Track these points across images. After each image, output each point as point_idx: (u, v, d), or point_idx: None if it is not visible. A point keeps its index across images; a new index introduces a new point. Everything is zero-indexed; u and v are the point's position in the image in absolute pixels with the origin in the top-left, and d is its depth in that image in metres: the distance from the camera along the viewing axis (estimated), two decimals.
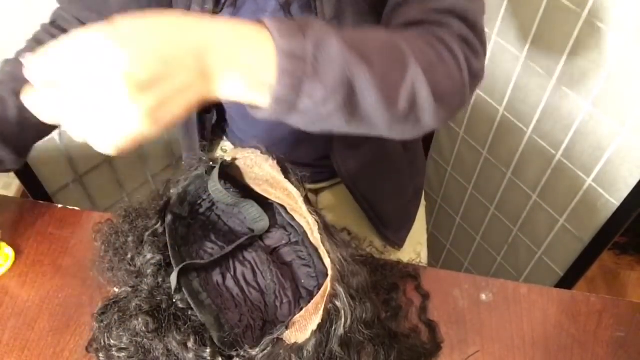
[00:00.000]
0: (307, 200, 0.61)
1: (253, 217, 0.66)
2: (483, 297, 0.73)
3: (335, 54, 0.44)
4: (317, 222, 0.57)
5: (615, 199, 0.98)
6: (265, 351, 0.51)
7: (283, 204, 0.67)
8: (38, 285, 0.72)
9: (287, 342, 0.51)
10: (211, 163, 0.64)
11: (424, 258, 1.07)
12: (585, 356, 0.68)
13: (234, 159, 0.64)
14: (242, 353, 0.52)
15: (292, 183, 0.61)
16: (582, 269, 1.12)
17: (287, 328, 0.52)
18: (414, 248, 1.01)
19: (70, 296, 0.70)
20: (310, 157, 0.89)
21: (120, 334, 0.56)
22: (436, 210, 1.50)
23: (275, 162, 0.61)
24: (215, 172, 0.62)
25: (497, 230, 1.30)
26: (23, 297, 0.70)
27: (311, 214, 0.59)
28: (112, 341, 0.56)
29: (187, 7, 0.73)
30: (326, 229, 0.58)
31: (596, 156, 0.97)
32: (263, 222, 0.66)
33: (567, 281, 1.16)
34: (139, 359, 0.56)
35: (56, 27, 0.79)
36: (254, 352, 0.51)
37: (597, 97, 0.92)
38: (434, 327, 0.68)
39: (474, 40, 0.59)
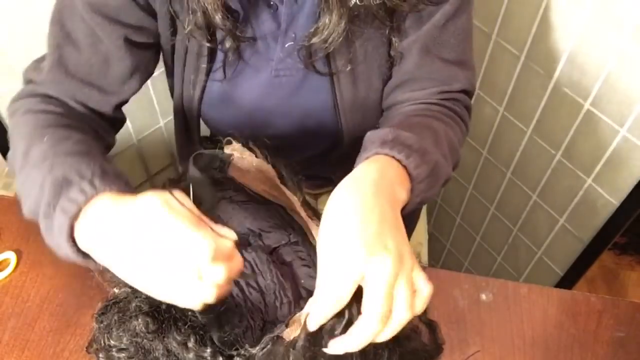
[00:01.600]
0: (305, 203, 0.61)
1: None
2: (483, 297, 0.73)
3: (441, 172, 0.61)
4: (317, 226, 0.57)
5: (615, 199, 0.98)
6: (265, 349, 0.51)
7: (282, 204, 0.67)
8: (38, 285, 0.72)
9: (287, 340, 0.51)
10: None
11: (424, 258, 1.07)
12: (585, 356, 0.68)
13: (230, 155, 0.64)
14: (242, 352, 0.52)
15: (289, 188, 0.61)
16: (582, 269, 1.12)
17: (287, 326, 0.52)
18: (414, 248, 1.00)
19: (70, 296, 0.70)
20: (311, 171, 0.91)
21: (120, 334, 0.56)
22: (436, 210, 1.50)
23: (270, 166, 0.61)
24: (192, 161, 0.61)
25: (497, 230, 1.30)
26: (23, 297, 0.70)
27: (312, 219, 0.59)
28: (112, 342, 0.56)
29: (182, 67, 0.73)
30: None
31: (596, 156, 0.97)
32: None
33: (567, 281, 1.16)
34: (139, 359, 0.56)
35: (57, 105, 0.67)
36: (254, 351, 0.51)
37: (597, 97, 0.92)
38: (435, 328, 0.68)
39: (470, 103, 0.75)
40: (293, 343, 0.50)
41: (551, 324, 0.70)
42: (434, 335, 0.65)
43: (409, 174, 0.56)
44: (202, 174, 0.61)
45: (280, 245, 0.67)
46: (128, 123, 1.08)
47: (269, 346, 0.50)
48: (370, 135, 0.62)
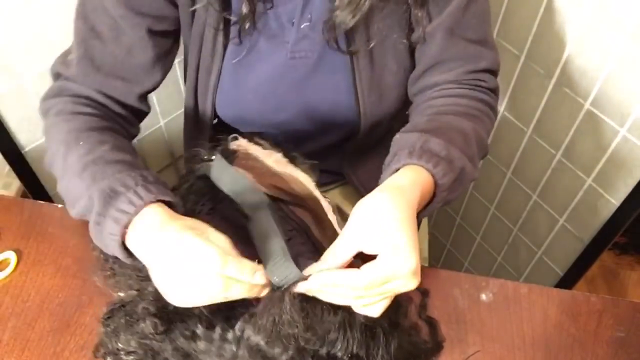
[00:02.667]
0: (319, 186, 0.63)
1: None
2: (483, 297, 0.73)
3: (466, 177, 0.64)
4: (331, 204, 0.61)
5: (615, 199, 0.98)
6: (266, 301, 0.52)
7: (286, 197, 0.67)
8: (38, 285, 0.72)
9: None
10: (213, 158, 0.64)
11: (424, 258, 1.07)
12: (585, 356, 0.68)
13: (236, 150, 0.64)
14: (246, 316, 0.54)
15: (302, 170, 0.63)
16: (582, 269, 1.12)
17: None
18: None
19: (70, 296, 0.70)
20: (324, 165, 0.91)
21: (128, 337, 0.56)
22: (436, 210, 1.50)
23: (280, 155, 0.63)
24: (219, 159, 0.63)
25: (497, 230, 1.30)
26: (23, 297, 0.70)
27: (325, 197, 0.62)
28: (120, 345, 0.56)
29: (199, 50, 0.74)
30: (339, 212, 0.60)
31: (596, 156, 0.97)
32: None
33: (567, 281, 1.16)
34: None
35: (86, 104, 0.71)
36: (255, 309, 0.53)
37: (597, 97, 0.92)
38: (435, 325, 0.68)
39: (497, 84, 0.77)
40: (289, 289, 0.52)
41: (551, 324, 0.70)
42: (434, 333, 0.65)
43: (435, 182, 0.60)
44: (223, 159, 0.63)
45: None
46: None
47: (268, 299, 0.52)
48: (399, 139, 0.65)
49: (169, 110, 1.28)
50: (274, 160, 0.64)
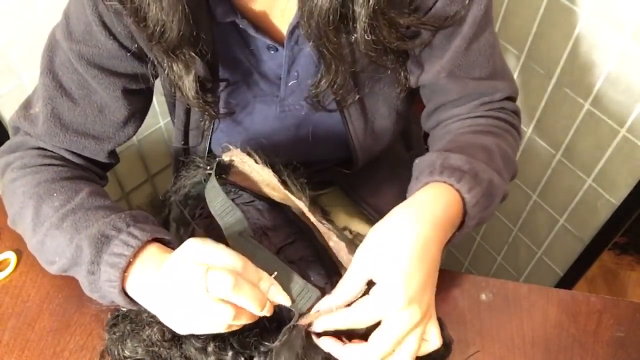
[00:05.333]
0: (312, 205, 0.61)
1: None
2: (483, 297, 0.73)
3: (496, 191, 0.60)
4: (332, 231, 0.59)
5: (615, 199, 0.98)
6: (283, 339, 0.51)
7: (288, 204, 0.67)
8: (38, 285, 0.72)
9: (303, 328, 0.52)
10: (208, 167, 0.63)
11: None
12: (585, 356, 0.68)
13: (232, 161, 0.64)
14: (261, 349, 0.52)
15: (293, 194, 0.61)
16: (582, 269, 1.12)
17: (301, 316, 0.52)
18: None
19: (70, 296, 0.70)
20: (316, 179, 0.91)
21: (135, 345, 0.55)
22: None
23: (270, 171, 0.61)
24: (212, 173, 0.62)
25: (497, 230, 1.30)
26: (23, 297, 0.70)
27: (321, 222, 0.60)
28: (126, 352, 0.55)
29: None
30: (329, 221, 0.60)
31: (596, 156, 0.97)
32: None
33: (567, 281, 1.16)
34: None
35: (53, 157, 0.66)
36: (272, 345, 0.51)
37: (597, 97, 0.92)
38: (449, 344, 0.62)
39: (517, 108, 0.73)
40: (309, 330, 0.51)
41: (551, 324, 0.70)
42: (442, 335, 0.64)
43: (462, 198, 0.56)
44: (215, 181, 0.61)
45: (286, 244, 0.67)
46: None
47: (286, 336, 0.50)
48: (418, 163, 0.62)
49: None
50: (267, 172, 0.63)
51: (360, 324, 0.50)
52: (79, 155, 0.68)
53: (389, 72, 0.66)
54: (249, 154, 0.63)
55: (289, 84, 0.69)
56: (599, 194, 1.00)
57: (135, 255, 0.52)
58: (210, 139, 0.76)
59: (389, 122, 0.76)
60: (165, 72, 0.61)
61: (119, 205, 0.61)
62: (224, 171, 0.66)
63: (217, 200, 0.60)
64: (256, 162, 0.63)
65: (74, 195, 0.59)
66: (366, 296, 0.50)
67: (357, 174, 0.85)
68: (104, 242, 0.53)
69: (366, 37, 0.57)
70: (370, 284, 0.50)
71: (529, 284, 0.74)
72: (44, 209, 0.58)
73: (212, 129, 0.74)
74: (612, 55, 0.87)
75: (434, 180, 0.57)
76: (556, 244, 1.16)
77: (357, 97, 0.68)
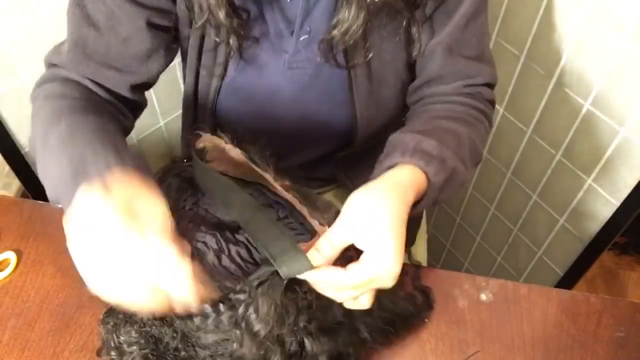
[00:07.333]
0: (279, 178, 0.65)
1: None
2: (483, 297, 0.73)
3: (458, 178, 0.65)
4: (296, 197, 0.63)
5: (615, 199, 0.98)
6: (265, 282, 0.53)
7: (259, 181, 0.68)
8: (38, 285, 0.72)
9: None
10: (184, 161, 0.65)
11: (424, 258, 1.07)
12: (585, 356, 0.68)
13: (205, 147, 0.65)
14: (244, 287, 0.55)
15: (260, 167, 0.64)
16: (582, 269, 1.12)
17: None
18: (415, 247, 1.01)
19: (70, 296, 0.70)
20: (316, 174, 0.92)
21: (128, 329, 0.57)
22: (436, 210, 1.50)
23: (238, 149, 0.64)
24: (197, 162, 0.64)
25: (497, 230, 1.30)
26: (23, 297, 0.70)
27: (288, 192, 0.64)
28: (122, 338, 0.57)
29: (198, 56, 0.74)
30: (306, 199, 0.64)
31: (596, 156, 0.97)
32: None
33: (567, 281, 1.16)
34: (150, 349, 0.56)
35: (75, 89, 0.68)
36: (254, 283, 0.54)
37: (597, 97, 0.92)
38: (427, 292, 0.70)
39: (494, 96, 0.78)
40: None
41: (551, 324, 0.70)
42: (425, 298, 0.70)
43: (428, 180, 0.61)
44: (200, 162, 0.64)
45: None
46: None
47: (267, 282, 0.53)
48: (392, 140, 0.66)
49: (169, 110, 1.28)
50: (238, 151, 0.66)
51: (354, 286, 0.53)
52: (103, 87, 0.69)
53: (401, 31, 0.70)
54: (219, 137, 0.66)
55: (300, 39, 0.71)
56: (599, 194, 1.00)
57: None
58: (215, 105, 0.78)
59: (394, 93, 0.78)
60: None
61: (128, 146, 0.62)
62: (201, 158, 0.67)
63: (209, 181, 0.63)
64: (225, 142, 0.65)
65: (80, 126, 0.59)
66: (357, 262, 0.53)
67: (359, 170, 0.85)
68: (80, 165, 0.53)
69: None
70: (345, 251, 0.55)
71: (529, 284, 0.74)
72: (50, 135, 0.59)
73: (224, 72, 0.75)
74: (612, 56, 0.87)
75: (405, 162, 0.61)
76: (556, 244, 1.16)
77: (367, 56, 0.71)
